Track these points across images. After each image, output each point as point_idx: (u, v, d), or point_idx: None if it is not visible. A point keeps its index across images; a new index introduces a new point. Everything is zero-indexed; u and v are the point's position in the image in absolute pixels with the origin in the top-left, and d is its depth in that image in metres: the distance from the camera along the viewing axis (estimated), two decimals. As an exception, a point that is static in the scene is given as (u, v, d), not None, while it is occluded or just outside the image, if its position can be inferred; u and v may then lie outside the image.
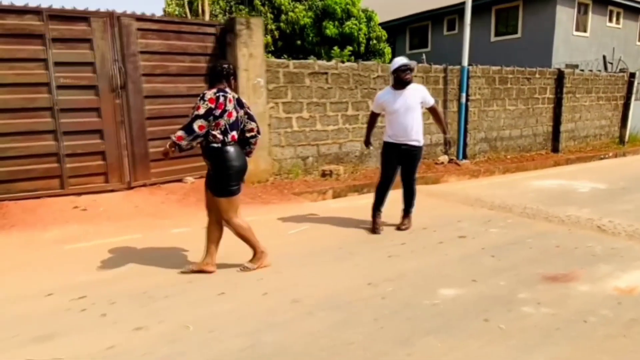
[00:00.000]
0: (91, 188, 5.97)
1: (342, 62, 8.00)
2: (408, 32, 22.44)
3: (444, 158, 9.34)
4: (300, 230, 4.81)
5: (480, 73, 9.79)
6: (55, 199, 5.68)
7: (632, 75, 13.53)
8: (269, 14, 17.04)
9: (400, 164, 4.80)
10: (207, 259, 3.60)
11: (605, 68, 17.95)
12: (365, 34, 17.56)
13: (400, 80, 4.61)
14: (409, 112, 4.64)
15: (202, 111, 3.27)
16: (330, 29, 17.01)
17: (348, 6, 17.49)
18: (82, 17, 5.67)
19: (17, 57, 5.33)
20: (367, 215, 5.17)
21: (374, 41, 17.81)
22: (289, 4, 17.34)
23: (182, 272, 3.56)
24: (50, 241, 4.45)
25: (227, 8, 17.03)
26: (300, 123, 7.51)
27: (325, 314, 2.87)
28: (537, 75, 10.98)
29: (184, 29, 6.46)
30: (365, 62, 8.16)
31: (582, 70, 12.35)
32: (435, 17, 20.74)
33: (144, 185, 6.34)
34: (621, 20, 19.17)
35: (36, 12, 5.43)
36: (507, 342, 2.50)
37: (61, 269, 3.65)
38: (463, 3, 20.17)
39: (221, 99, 3.31)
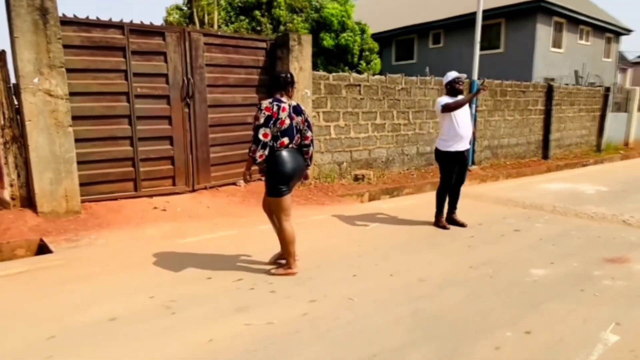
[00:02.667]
0: (161, 190, 6.39)
1: (373, 75, 8.70)
2: (394, 43, 23.45)
3: (456, 164, 10.16)
4: (375, 226, 5.42)
5: (490, 87, 10.70)
6: (131, 200, 6.07)
7: (608, 89, 14.94)
8: (268, 25, 17.61)
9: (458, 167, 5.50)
10: (291, 258, 3.88)
11: (577, 82, 19.53)
12: (359, 46, 18.38)
13: (455, 90, 5.33)
14: (465, 115, 5.37)
15: (262, 120, 3.51)
16: (327, 41, 17.76)
17: (344, 18, 18.28)
18: (158, 32, 6.12)
19: (101, 67, 5.72)
20: (420, 214, 5.89)
21: (367, 52, 18.66)
22: (287, 15, 17.93)
23: (267, 263, 4.03)
24: (156, 237, 4.87)
25: (228, 18, 17.46)
26: (337, 131, 8.14)
27: (453, 289, 3.51)
28: (530, 89, 12.05)
29: (240, 43, 6.98)
30: (391, 75, 8.88)
31: (567, 84, 13.57)
32: (421, 30, 21.83)
33: (205, 188, 6.79)
34: (590, 38, 20.89)
35: (119, 26, 5.84)
36: (608, 305, 3.22)
37: (192, 259, 4.12)
38: (448, 18, 21.40)
39: (274, 108, 3.53)
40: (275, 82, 3.72)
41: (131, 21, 5.92)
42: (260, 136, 3.51)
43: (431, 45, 21.84)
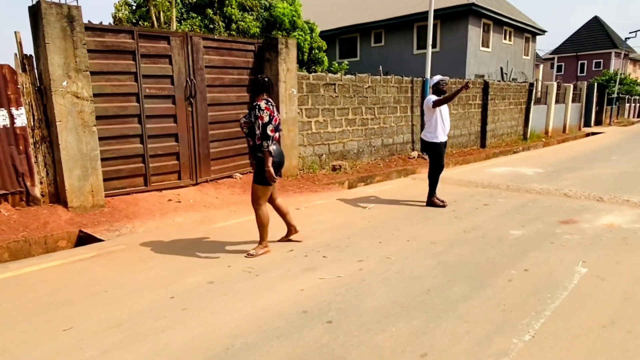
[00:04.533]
0: (168, 185, 6.86)
1: (345, 74, 9.59)
2: (338, 42, 24.53)
3: (414, 154, 11.38)
4: (372, 207, 6.33)
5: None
6: (143, 194, 6.50)
7: (532, 85, 17.01)
8: (220, 23, 17.88)
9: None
10: (263, 241, 4.38)
11: (502, 78, 21.83)
12: (309, 44, 19.25)
13: (440, 91, 6.35)
14: (447, 111, 6.44)
15: (266, 119, 4.01)
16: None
17: (294, 18, 19.02)
18: (164, 36, 6.57)
19: (113, 70, 6.09)
20: (402, 196, 6.93)
21: (315, 50, 19.56)
22: (239, 13, 18.31)
23: (277, 241, 4.63)
24: (190, 224, 5.44)
25: (179, 15, 17.51)
26: (317, 126, 8.96)
27: (459, 247, 4.51)
28: (470, 85, 13.56)
29: (233, 46, 7.57)
30: (360, 75, 9.84)
31: (499, 81, 15.35)
32: (363, 30, 23.08)
33: (206, 181, 7.34)
34: (512, 38, 23.28)
35: (129, 31, 6.24)
36: (573, 250, 4.36)
37: (238, 238, 4.77)
38: (388, 19, 22.78)
39: (271, 107, 4.09)
40: (262, 84, 4.21)
41: (140, 27, 6.30)
42: (269, 132, 4.03)
43: (373, 44, 23.17)
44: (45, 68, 5.22)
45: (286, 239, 4.72)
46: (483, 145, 14.40)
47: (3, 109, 5.07)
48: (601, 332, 2.82)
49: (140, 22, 17.53)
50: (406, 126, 11.32)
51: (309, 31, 19.65)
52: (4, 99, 5.07)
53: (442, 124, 6.31)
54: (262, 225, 4.31)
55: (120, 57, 6.15)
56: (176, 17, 17.26)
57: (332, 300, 3.26)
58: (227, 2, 18.07)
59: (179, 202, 6.41)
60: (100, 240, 4.88)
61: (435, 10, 19.58)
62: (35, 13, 5.22)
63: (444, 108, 6.33)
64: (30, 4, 5.24)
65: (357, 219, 5.66)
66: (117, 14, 17.28)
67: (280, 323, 2.91)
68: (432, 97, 6.27)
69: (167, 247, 4.50)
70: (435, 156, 6.44)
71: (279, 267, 3.93)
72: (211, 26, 17.70)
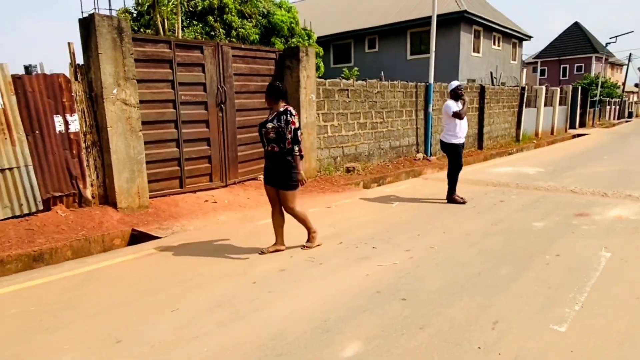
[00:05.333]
0: (200, 186, 7.19)
1: (356, 80, 10.05)
2: (332, 47, 25.03)
3: (419, 155, 11.88)
4: (397, 204, 6.77)
5: (437, 88, 12.55)
6: (179, 195, 6.83)
7: (523, 88, 17.74)
8: (220, 30, 18.21)
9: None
10: (278, 240, 4.54)
11: (492, 82, 22.56)
12: (306, 50, 19.67)
13: (457, 95, 6.82)
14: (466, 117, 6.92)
15: (298, 124, 4.19)
16: (278, 45, 18.84)
17: (292, 24, 19.48)
18: (197, 45, 6.93)
19: (153, 78, 6.42)
20: (420, 194, 7.37)
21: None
22: (239, 21, 18.67)
23: (262, 253, 4.44)
24: (234, 222, 5.79)
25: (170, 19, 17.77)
26: (332, 130, 9.39)
27: (492, 237, 4.96)
28: (468, 90, 14.16)
29: (257, 54, 7.96)
30: (370, 80, 10.30)
31: (494, 86, 15.99)
32: (357, 36, 23.64)
33: (234, 183, 7.69)
34: (501, 43, 24.11)
35: (166, 41, 6.58)
36: (593, 238, 4.86)
37: (285, 234, 5.15)
38: (382, 25, 23.38)
39: (295, 113, 4.25)
40: (282, 91, 4.31)
41: (177, 37, 6.65)
42: (300, 137, 4.22)
43: (367, 49, 23.73)
44: (97, 77, 5.54)
45: (274, 249, 4.56)
46: (480, 147, 14.99)
47: (59, 115, 5.37)
48: (636, 303, 3.28)
49: (142, 30, 17.81)
50: (411, 129, 11.81)
51: (306, 37, 20.14)
52: (59, 106, 5.37)
53: (460, 127, 6.79)
54: (304, 220, 4.53)
55: (159, 66, 6.48)
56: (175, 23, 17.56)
57: (398, 282, 3.67)
58: (227, 9, 18.42)
59: (215, 202, 6.75)
60: (156, 237, 5.21)
61: (429, 17, 20.32)
62: (87, 25, 5.53)
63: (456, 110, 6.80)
64: (81, 17, 5.55)
65: (387, 215, 6.08)
66: (118, 22, 17.47)
67: (361, 301, 3.31)
68: (452, 105, 6.74)
69: (224, 242, 4.85)
70: (455, 156, 6.90)
71: (337, 257, 4.32)
72: (212, 33, 18.02)
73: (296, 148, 4.22)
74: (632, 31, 36.02)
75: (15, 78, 4.98)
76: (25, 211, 5.15)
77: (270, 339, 2.78)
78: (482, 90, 14.77)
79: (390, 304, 3.25)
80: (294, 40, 19.52)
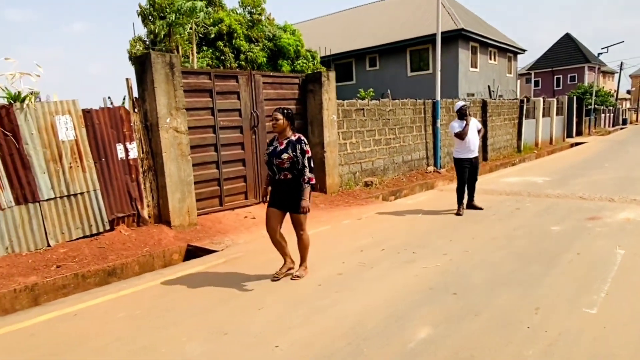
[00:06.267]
0: (237, 204, 7.75)
1: (371, 100, 10.71)
2: (334, 67, 25.79)
3: (430, 168, 12.50)
4: (422, 215, 7.34)
5: (443, 104, 13.23)
6: (220, 213, 7.38)
7: (522, 101, 18.48)
8: (230, 54, 19.00)
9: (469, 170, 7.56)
10: (287, 260, 4.60)
11: (490, 95, 23.35)
12: (311, 71, 20.49)
13: (462, 115, 7.41)
14: (472, 133, 7.48)
15: (310, 153, 4.25)
16: (285, 67, 19.66)
17: (298, 47, 20.30)
18: (233, 75, 7.57)
19: (196, 106, 7.04)
20: (441, 205, 7.92)
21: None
22: (247, 45, 19.46)
23: (275, 279, 4.46)
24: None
25: (189, 48, 18.54)
26: (351, 147, 10.00)
27: (518, 240, 5.52)
28: (471, 105, 14.86)
29: (283, 80, 8.61)
30: (382, 100, 10.97)
31: (495, 99, 16.72)
32: (358, 55, 24.50)
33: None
34: (497, 58, 25.00)
35: (207, 73, 7.22)
36: (607, 238, 5.43)
37: (332, 242, 5.70)
38: (383, 45, 24.19)
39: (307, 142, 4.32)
40: (293, 117, 4.38)
41: (215, 68, 7.29)
42: (313, 164, 4.27)
43: (368, 67, 24.55)
44: (152, 107, 6.14)
45: (286, 269, 4.61)
46: (485, 158, 15.62)
47: (120, 143, 5.95)
48: (653, 290, 3.85)
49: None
50: (421, 143, 12.45)
51: (311, 59, 20.95)
52: (120, 135, 5.96)
53: (463, 145, 7.30)
54: (307, 248, 4.52)
55: (200, 95, 7.11)
56: (190, 51, 18.33)
57: (445, 280, 4.23)
58: (235, 35, 19.22)
59: (254, 218, 7.30)
60: (212, 251, 5.75)
61: (428, 35, 21.26)
62: (143, 62, 6.16)
63: (470, 131, 7.29)
64: (136, 54, 6.16)
65: (417, 224, 6.65)
66: (132, 50, 18.24)
67: (418, 296, 3.86)
68: (455, 127, 7.29)
69: (275, 253, 5.39)
70: (458, 170, 7.48)
71: (384, 262, 4.88)
72: (222, 57, 18.81)
73: (309, 176, 4.21)
74: (623, 41, 37.26)
75: (85, 112, 5.58)
76: (94, 231, 5.70)
77: (352, 328, 3.32)
78: (484, 104, 15.48)
79: (444, 298, 3.81)
80: (299, 61, 20.35)
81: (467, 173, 7.49)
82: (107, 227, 5.81)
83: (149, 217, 6.33)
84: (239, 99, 7.64)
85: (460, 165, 7.48)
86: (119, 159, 5.96)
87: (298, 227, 4.45)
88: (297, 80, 8.95)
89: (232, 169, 7.63)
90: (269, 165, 4.40)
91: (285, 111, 4.35)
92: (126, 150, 6.02)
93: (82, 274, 4.91)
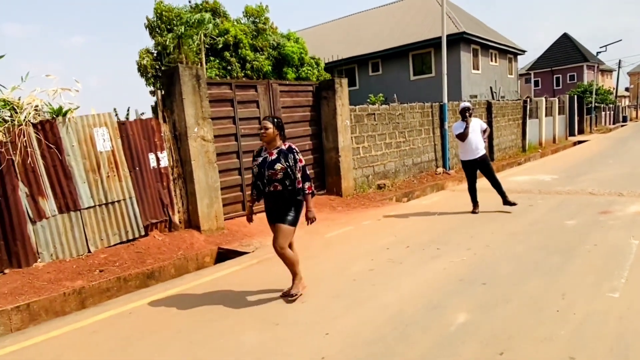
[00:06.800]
0: (260, 209, 7.99)
1: (381, 104, 11.00)
2: (336, 73, 26.16)
3: (439, 170, 12.77)
4: (439, 214, 7.60)
5: (450, 107, 13.52)
6: (242, 218, 7.63)
7: (525, 101, 18.78)
8: (236, 64, 19.34)
9: (478, 170, 7.70)
10: (298, 277, 4.25)
11: (492, 96, 23.66)
12: (316, 77, 20.84)
13: (464, 116, 7.53)
14: (474, 134, 7.63)
15: (304, 162, 4.06)
16: (290, 74, 20.01)
17: (302, 54, 20.65)
18: (252, 85, 7.87)
19: (219, 116, 7.32)
20: (455, 206, 8.16)
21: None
22: (252, 54, 19.81)
23: (290, 299, 4.08)
24: (305, 235, 6.58)
25: (199, 59, 18.91)
26: (364, 151, 10.29)
27: (535, 235, 5.78)
28: (477, 106, 15.16)
29: (299, 89, 8.91)
30: (392, 104, 11.26)
31: (498, 100, 17.01)
32: (360, 61, 24.86)
33: (286, 204, 8.50)
34: (498, 59, 25.33)
35: (228, 84, 7.52)
36: (620, 230, 5.69)
37: (358, 241, 5.96)
38: (385, 50, 24.48)
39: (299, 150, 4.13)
40: (284, 127, 4.16)
41: (236, 79, 7.59)
42: (308, 173, 4.10)
43: (371, 73, 24.90)
44: (181, 118, 6.43)
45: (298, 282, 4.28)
46: (492, 158, 15.87)
47: (152, 153, 6.24)
48: (669, 275, 4.10)
49: (162, 68, 18.86)
50: (430, 146, 12.72)
51: (315, 65, 21.30)
52: (152, 145, 6.24)
53: (465, 146, 7.42)
54: (294, 263, 4.15)
55: (223, 105, 7.40)
56: (197, 60, 18.69)
57: (473, 272, 4.49)
58: (241, 45, 19.57)
59: (277, 222, 7.55)
60: (243, 253, 6.01)
61: (429, 40, 21.62)
62: (171, 75, 6.46)
63: (472, 132, 7.36)
64: (164, 68, 6.46)
65: (435, 223, 6.91)
66: (141, 62, 18.60)
67: (450, 287, 4.12)
68: (456, 128, 7.47)
69: (308, 252, 5.66)
70: (464, 172, 7.64)
71: (411, 257, 5.14)
72: (229, 67, 19.16)
73: (306, 185, 3.99)
74: (621, 40, 37.71)
75: (120, 123, 5.87)
76: (130, 237, 5.97)
77: (393, 316, 3.58)
78: (489, 105, 15.76)
79: (475, 288, 4.07)
80: (303, 69, 20.68)
81: (473, 173, 7.58)
82: (142, 233, 6.08)
83: (180, 222, 6.60)
84: (258, 107, 7.94)
85: (465, 166, 7.65)
86: (151, 168, 6.24)
87: (277, 238, 4.01)
88: (311, 88, 9.25)
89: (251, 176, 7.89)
90: (259, 177, 4.11)
91: (276, 120, 4.10)
92: (157, 159, 6.30)
93: (123, 277, 5.18)
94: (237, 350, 3.24)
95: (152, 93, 20.31)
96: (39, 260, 5.10)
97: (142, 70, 18.94)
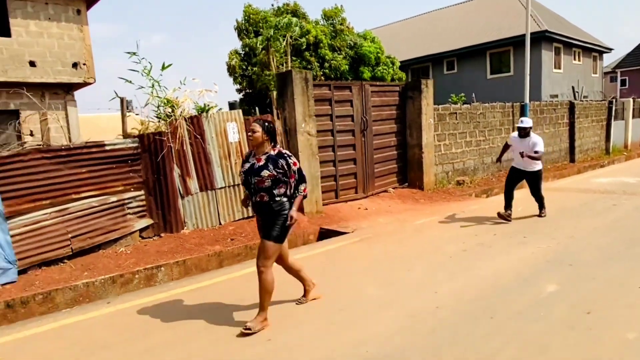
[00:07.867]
0: (349, 197, 8.90)
1: (463, 104, 11.49)
2: (410, 71, 26.55)
3: (517, 169, 12.96)
4: (522, 209, 8.05)
5: (532, 107, 13.62)
6: (336, 205, 8.55)
7: (611, 102, 18.21)
8: (315, 63, 20.36)
9: (521, 180, 7.61)
10: (308, 284, 4.17)
11: (574, 97, 22.93)
12: (391, 76, 21.39)
13: (520, 134, 7.55)
14: (517, 149, 7.38)
15: (298, 165, 3.72)
16: (366, 73, 20.71)
17: (378, 54, 21.29)
18: (347, 86, 8.75)
19: (319, 113, 8.26)
20: (534, 204, 8.48)
21: (396, 81, 21.66)
22: (331, 54, 20.74)
23: (299, 303, 4.13)
24: (393, 222, 7.37)
25: (284, 59, 20.21)
26: (444, 148, 10.84)
27: (618, 230, 6.15)
28: (559, 107, 15.07)
29: (387, 89, 9.67)
30: (474, 104, 11.69)
31: (581, 101, 16.70)
32: (435, 59, 25.05)
33: (372, 194, 9.33)
34: (581, 58, 24.45)
35: (327, 85, 8.45)
36: None
37: (445, 229, 6.64)
38: (461, 48, 24.48)
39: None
40: (275, 132, 3.73)
41: (334, 80, 8.50)
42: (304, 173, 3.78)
43: (446, 71, 25.01)
44: (291, 115, 7.44)
45: (306, 299, 4.18)
46: (572, 160, 15.70)
47: (267, 145, 7.30)
48: None
49: (249, 68, 20.36)
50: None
51: (390, 65, 21.86)
52: (267, 138, 7.30)
53: (517, 158, 7.39)
54: (268, 292, 3.67)
55: (322, 104, 8.34)
56: (280, 63, 19.96)
57: (559, 256, 5.05)
58: (320, 45, 20.59)
59: (366, 209, 8.41)
60: (342, 233, 6.91)
61: (509, 38, 21.45)
62: (284, 77, 7.48)
63: (515, 144, 7.42)
64: (277, 72, 7.50)
65: (519, 216, 7.40)
66: (230, 62, 20.20)
67: (538, 267, 4.74)
68: (511, 138, 7.59)
69: (401, 235, 6.45)
70: (508, 174, 7.64)
71: (500, 243, 5.77)
72: (309, 67, 20.27)
73: (302, 187, 3.73)
74: None
75: (245, 119, 6.97)
76: (250, 214, 7.07)
77: (491, 285, 4.28)
78: (571, 106, 15.59)
79: (562, 268, 4.65)
80: (379, 68, 21.31)
81: (515, 180, 7.51)
82: (258, 212, 7.16)
83: (286, 205, 7.62)
84: (351, 106, 8.80)
85: (511, 170, 7.58)
86: (266, 157, 7.29)
87: (260, 257, 3.67)
88: (397, 88, 9.98)
89: (345, 167, 8.80)
90: (246, 185, 3.73)
91: (266, 124, 3.68)
92: (271, 150, 7.34)
93: (249, 245, 6.25)
94: (363, 298, 4.11)
95: (239, 91, 21.94)
96: (185, 228, 6.31)
97: (231, 70, 20.54)
